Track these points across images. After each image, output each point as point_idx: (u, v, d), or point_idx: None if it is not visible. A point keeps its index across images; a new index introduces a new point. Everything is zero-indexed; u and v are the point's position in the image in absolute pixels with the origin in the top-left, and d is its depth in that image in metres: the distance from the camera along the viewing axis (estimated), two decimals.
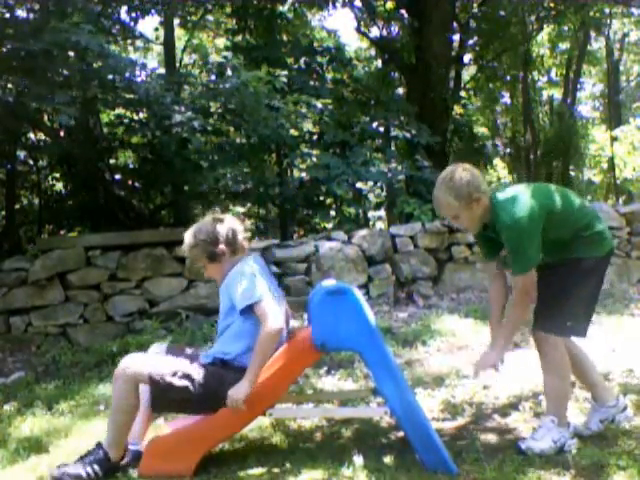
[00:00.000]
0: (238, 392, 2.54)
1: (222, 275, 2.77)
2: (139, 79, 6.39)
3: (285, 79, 6.82)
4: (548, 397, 2.80)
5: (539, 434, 2.70)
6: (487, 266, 2.96)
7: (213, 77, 7.34)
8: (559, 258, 2.72)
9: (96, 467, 2.61)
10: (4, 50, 5.14)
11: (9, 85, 5.74)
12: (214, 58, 9.99)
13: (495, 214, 2.64)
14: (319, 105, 6.90)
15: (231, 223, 2.85)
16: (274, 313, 2.56)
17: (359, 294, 2.72)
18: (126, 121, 7.23)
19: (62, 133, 7.26)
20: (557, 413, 2.73)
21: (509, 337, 2.78)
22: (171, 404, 2.66)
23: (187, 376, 2.63)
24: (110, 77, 5.90)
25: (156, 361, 2.72)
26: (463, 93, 12.23)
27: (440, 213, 2.77)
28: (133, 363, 2.67)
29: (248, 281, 2.63)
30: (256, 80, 6.20)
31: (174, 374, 2.64)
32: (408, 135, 7.93)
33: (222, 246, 2.77)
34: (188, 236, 2.83)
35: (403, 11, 10.56)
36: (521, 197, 2.64)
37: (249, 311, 2.61)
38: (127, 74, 6.02)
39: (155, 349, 2.94)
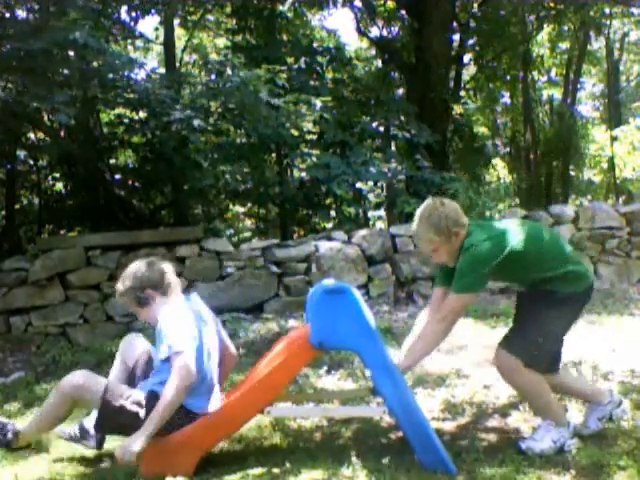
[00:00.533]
0: (132, 445, 2.45)
1: (155, 318, 2.76)
2: (139, 77, 6.40)
3: (285, 76, 6.81)
4: (535, 411, 2.85)
5: (539, 434, 2.70)
6: (436, 290, 2.95)
7: (213, 77, 7.33)
8: (537, 289, 2.74)
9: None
10: (4, 50, 5.13)
11: (9, 85, 5.73)
12: (214, 58, 9.97)
13: (466, 242, 2.66)
14: (319, 104, 6.90)
15: (159, 265, 2.86)
16: (186, 370, 2.52)
17: (357, 293, 2.72)
18: (126, 121, 7.23)
19: (62, 133, 7.26)
20: (552, 418, 2.73)
21: (422, 353, 2.74)
22: (118, 427, 2.63)
23: (138, 403, 2.62)
24: (110, 76, 5.90)
25: (109, 383, 2.73)
26: (463, 93, 12.22)
27: (420, 247, 2.80)
28: (86, 380, 2.70)
29: (173, 330, 2.61)
30: (256, 79, 6.20)
31: (127, 397, 2.64)
32: (408, 135, 7.92)
33: (150, 290, 2.78)
34: (118, 283, 2.84)
35: (403, 11, 10.56)
36: (495, 229, 2.70)
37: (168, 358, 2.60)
38: (127, 72, 6.02)
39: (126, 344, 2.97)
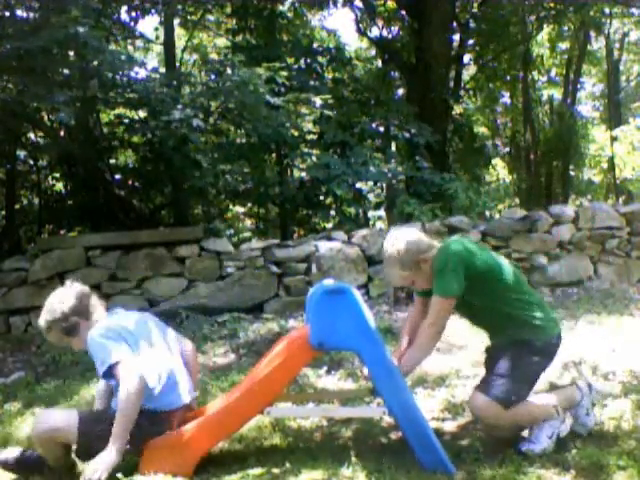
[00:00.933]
0: (103, 462, 2.42)
1: (86, 344, 2.72)
2: (139, 76, 6.41)
3: (285, 74, 6.81)
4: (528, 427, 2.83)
5: (535, 436, 2.71)
6: (416, 298, 3.01)
7: (213, 76, 7.34)
8: (508, 338, 2.72)
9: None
10: (3, 50, 5.13)
11: (9, 85, 5.73)
12: (214, 57, 9.98)
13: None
14: (319, 101, 6.90)
15: (75, 291, 2.81)
16: (130, 374, 2.49)
17: (357, 293, 2.72)
18: (126, 121, 7.24)
19: (62, 133, 7.27)
20: (541, 419, 2.74)
21: (416, 360, 2.75)
22: (97, 452, 2.55)
23: (111, 423, 2.54)
24: (110, 75, 5.90)
25: (81, 413, 2.69)
26: (463, 93, 12.23)
27: (397, 285, 2.86)
28: (53, 421, 2.62)
29: (99, 348, 2.58)
30: (256, 77, 6.20)
31: (105, 420, 2.58)
32: (408, 135, 7.92)
33: (74, 318, 2.74)
34: (41, 322, 2.77)
35: (403, 11, 10.57)
36: (464, 240, 2.79)
37: (110, 373, 2.56)
38: (127, 71, 6.02)
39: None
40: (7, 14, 5.66)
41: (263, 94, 6.20)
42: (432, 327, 2.68)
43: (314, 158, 7.55)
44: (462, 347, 4.38)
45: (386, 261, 2.75)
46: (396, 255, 2.68)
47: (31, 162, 8.03)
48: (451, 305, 2.67)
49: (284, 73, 6.75)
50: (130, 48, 10.89)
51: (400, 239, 2.70)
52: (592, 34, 13.44)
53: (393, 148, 8.99)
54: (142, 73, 6.84)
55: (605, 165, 15.41)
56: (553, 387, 3.48)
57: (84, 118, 7.23)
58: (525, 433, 2.82)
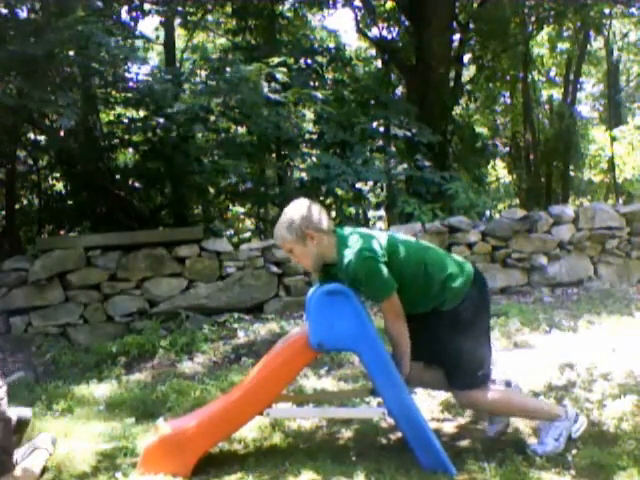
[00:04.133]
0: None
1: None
2: (140, 72, 6.42)
3: (284, 70, 6.81)
4: (530, 419, 2.85)
5: (542, 438, 2.72)
6: None
7: (213, 74, 7.34)
8: (429, 310, 2.68)
9: None
10: (6, 53, 5.13)
11: (9, 86, 5.73)
12: (214, 56, 9.98)
13: (339, 253, 2.62)
14: (320, 95, 6.88)
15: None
16: None
17: (356, 294, 2.71)
18: (126, 120, 7.24)
19: (62, 133, 7.27)
20: (545, 417, 2.74)
21: (407, 353, 2.68)
22: None
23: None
24: (111, 72, 5.91)
25: None
26: (463, 93, 12.22)
27: (278, 244, 2.78)
28: None
29: None
30: (256, 72, 6.20)
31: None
32: (409, 134, 7.92)
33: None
34: None
35: (403, 11, 10.56)
36: (363, 233, 2.68)
37: None
38: (128, 63, 6.02)
39: None
40: (9, 15, 5.66)
41: (263, 90, 6.20)
42: (396, 321, 2.62)
43: (314, 158, 7.55)
44: None
45: (280, 218, 2.68)
46: (290, 216, 2.62)
47: (31, 162, 8.03)
48: (396, 296, 2.60)
49: (283, 69, 6.75)
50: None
51: (307, 206, 2.65)
52: (592, 34, 13.42)
53: (393, 148, 8.99)
54: (144, 70, 6.86)
55: (605, 165, 15.40)
56: (551, 389, 3.49)
57: (84, 118, 7.23)
58: (525, 434, 2.82)
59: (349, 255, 2.57)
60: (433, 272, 2.64)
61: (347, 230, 2.73)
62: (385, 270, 2.56)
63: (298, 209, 2.65)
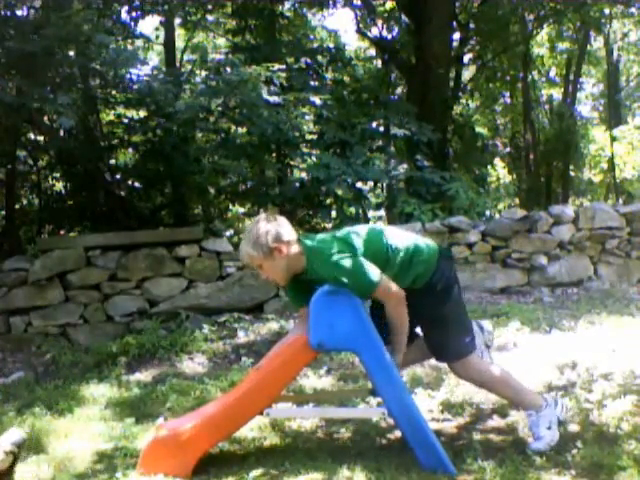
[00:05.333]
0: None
1: None
2: (141, 73, 6.42)
3: (284, 75, 6.81)
4: (510, 400, 2.88)
5: (535, 433, 2.72)
6: (301, 310, 2.89)
7: (212, 75, 7.34)
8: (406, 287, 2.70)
9: None
10: (5, 50, 5.13)
11: (9, 85, 5.73)
12: (214, 57, 9.98)
13: (309, 261, 2.62)
14: (318, 101, 6.89)
15: None
16: None
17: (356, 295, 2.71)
18: (126, 120, 7.23)
19: (62, 133, 7.27)
20: (528, 404, 2.77)
21: (404, 341, 2.73)
22: None
23: None
24: (111, 73, 5.91)
25: None
26: (463, 93, 12.22)
27: (244, 262, 2.77)
28: None
29: None
30: (256, 76, 6.20)
31: None
32: (408, 133, 7.92)
33: None
34: None
35: (403, 11, 10.56)
36: (327, 238, 2.70)
37: None
38: (130, 67, 6.03)
39: None
40: (8, 13, 5.66)
41: (262, 93, 6.21)
42: (398, 305, 2.63)
43: (314, 158, 7.54)
44: None
45: (244, 236, 2.67)
46: (255, 233, 2.60)
47: (31, 162, 8.03)
48: (388, 280, 2.61)
49: (283, 74, 6.75)
50: (130, 48, 10.90)
51: (271, 220, 2.65)
52: (592, 34, 13.43)
53: (393, 148, 8.99)
54: (144, 70, 6.86)
55: (605, 165, 15.40)
56: (551, 389, 3.49)
57: (84, 118, 7.23)
58: (525, 434, 2.81)
59: (320, 264, 2.59)
60: (399, 248, 2.71)
61: (312, 237, 2.75)
62: (362, 261, 2.58)
63: (261, 225, 2.63)
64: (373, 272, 2.58)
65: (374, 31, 11.88)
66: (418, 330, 2.91)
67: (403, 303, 2.64)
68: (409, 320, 2.71)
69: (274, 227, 2.62)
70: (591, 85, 18.97)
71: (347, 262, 2.57)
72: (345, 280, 2.57)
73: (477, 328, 3.00)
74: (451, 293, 2.78)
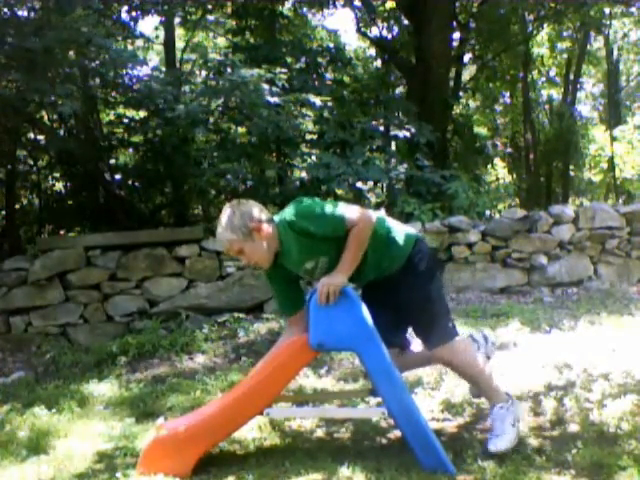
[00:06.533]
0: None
1: None
2: (141, 74, 6.42)
3: (285, 77, 6.82)
4: (483, 391, 2.84)
5: (499, 428, 2.69)
6: (291, 319, 2.86)
7: (213, 75, 7.35)
8: (386, 272, 2.73)
9: None
10: (5, 48, 5.13)
11: (9, 85, 5.73)
12: (214, 57, 9.99)
13: (281, 234, 2.62)
14: (318, 102, 6.90)
15: None
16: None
17: (356, 293, 2.71)
18: (126, 121, 7.23)
19: (62, 132, 7.27)
20: (497, 397, 2.77)
21: (354, 261, 2.63)
22: None
23: None
24: (111, 74, 5.91)
25: None
26: (463, 93, 12.22)
27: (228, 252, 2.71)
28: None
29: None
30: (257, 78, 6.21)
31: None
32: (408, 134, 7.92)
33: None
34: None
35: (403, 11, 10.56)
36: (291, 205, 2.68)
37: None
38: (130, 67, 6.03)
39: None
40: (9, 14, 5.66)
41: (263, 94, 6.21)
42: (365, 229, 2.57)
43: (314, 158, 7.54)
44: None
45: (219, 224, 2.64)
46: (230, 217, 2.60)
47: (31, 162, 8.03)
48: (358, 209, 2.60)
49: (284, 76, 6.76)
50: (130, 48, 10.90)
51: (242, 203, 2.66)
52: (592, 34, 13.43)
53: (393, 148, 8.99)
54: (144, 71, 6.86)
55: (605, 165, 15.40)
56: (551, 389, 3.49)
57: (84, 118, 7.24)
58: (525, 433, 2.81)
59: (288, 228, 2.58)
60: (381, 231, 2.70)
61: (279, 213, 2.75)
62: (323, 203, 2.62)
63: (234, 209, 2.63)
64: (337, 208, 2.59)
65: (374, 31, 11.89)
66: (409, 336, 2.93)
67: (370, 228, 2.59)
68: (397, 320, 2.75)
69: (247, 208, 2.63)
70: (591, 85, 18.98)
71: (308, 205, 2.60)
72: (314, 228, 2.55)
73: (482, 339, 3.00)
74: (434, 274, 2.81)
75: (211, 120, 6.85)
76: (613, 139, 14.51)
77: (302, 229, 2.57)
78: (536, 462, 2.58)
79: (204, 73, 7.81)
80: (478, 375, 2.80)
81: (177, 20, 9.87)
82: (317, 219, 2.57)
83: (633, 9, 11.48)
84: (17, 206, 7.97)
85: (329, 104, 7.19)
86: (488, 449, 2.65)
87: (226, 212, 2.64)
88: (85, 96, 6.47)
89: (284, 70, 7.07)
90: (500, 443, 2.65)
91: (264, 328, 5.12)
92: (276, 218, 2.69)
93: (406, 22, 10.79)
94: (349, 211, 2.59)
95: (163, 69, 8.83)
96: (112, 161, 7.99)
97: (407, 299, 2.75)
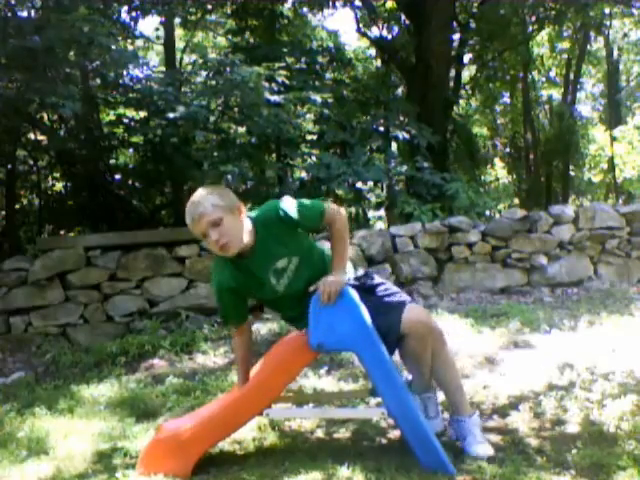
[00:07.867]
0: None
1: None
2: (141, 75, 6.43)
3: (284, 74, 6.81)
4: (456, 393, 2.78)
5: (472, 434, 2.70)
6: (239, 328, 2.80)
7: (213, 75, 7.35)
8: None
9: None
10: (5, 47, 5.13)
11: (9, 84, 5.73)
12: (214, 57, 9.99)
13: (257, 228, 2.59)
14: (319, 99, 6.89)
15: None
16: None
17: (356, 294, 2.71)
18: (126, 121, 7.23)
19: (62, 133, 7.27)
20: (465, 401, 2.79)
21: (346, 253, 2.70)
22: None
23: None
24: (112, 74, 5.91)
25: None
26: (463, 93, 12.23)
27: (201, 220, 2.47)
28: None
29: None
30: (256, 76, 6.21)
31: None
32: (407, 136, 7.92)
33: None
34: None
35: (403, 11, 10.57)
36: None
37: None
38: (131, 67, 6.04)
39: None
40: (9, 14, 5.66)
41: (263, 92, 6.21)
42: (346, 222, 2.68)
43: (314, 158, 7.55)
44: (461, 347, 4.38)
45: (206, 191, 2.54)
46: (214, 188, 2.61)
47: (31, 162, 8.03)
48: (329, 202, 2.72)
49: (283, 72, 6.75)
50: (130, 48, 10.91)
51: (215, 186, 2.69)
52: (592, 34, 13.43)
53: (393, 148, 8.99)
54: (144, 71, 6.87)
55: (605, 165, 15.42)
56: (551, 388, 3.49)
57: (85, 118, 7.23)
58: (525, 433, 2.80)
59: (265, 220, 2.59)
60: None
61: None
62: (300, 199, 2.65)
63: (216, 187, 2.67)
64: (315, 201, 2.69)
65: (374, 31, 11.91)
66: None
67: (347, 223, 2.69)
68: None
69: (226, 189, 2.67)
70: (591, 85, 18.98)
71: (288, 202, 2.61)
72: (295, 216, 2.56)
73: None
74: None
75: (211, 120, 6.85)
76: (613, 139, 14.52)
77: (285, 217, 2.55)
78: (536, 462, 2.58)
79: (204, 73, 7.81)
80: (450, 373, 2.81)
81: (177, 20, 9.87)
82: (299, 207, 2.60)
83: (633, 9, 11.47)
84: (17, 206, 7.97)
85: (329, 102, 7.19)
86: (468, 451, 2.66)
87: (207, 188, 2.61)
88: (85, 96, 6.48)
89: (283, 64, 7.07)
90: (483, 449, 2.66)
91: (264, 328, 5.11)
92: (252, 214, 2.67)
93: (406, 22, 10.80)
94: (327, 205, 2.68)
95: (163, 69, 8.82)
96: (112, 161, 7.99)
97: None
